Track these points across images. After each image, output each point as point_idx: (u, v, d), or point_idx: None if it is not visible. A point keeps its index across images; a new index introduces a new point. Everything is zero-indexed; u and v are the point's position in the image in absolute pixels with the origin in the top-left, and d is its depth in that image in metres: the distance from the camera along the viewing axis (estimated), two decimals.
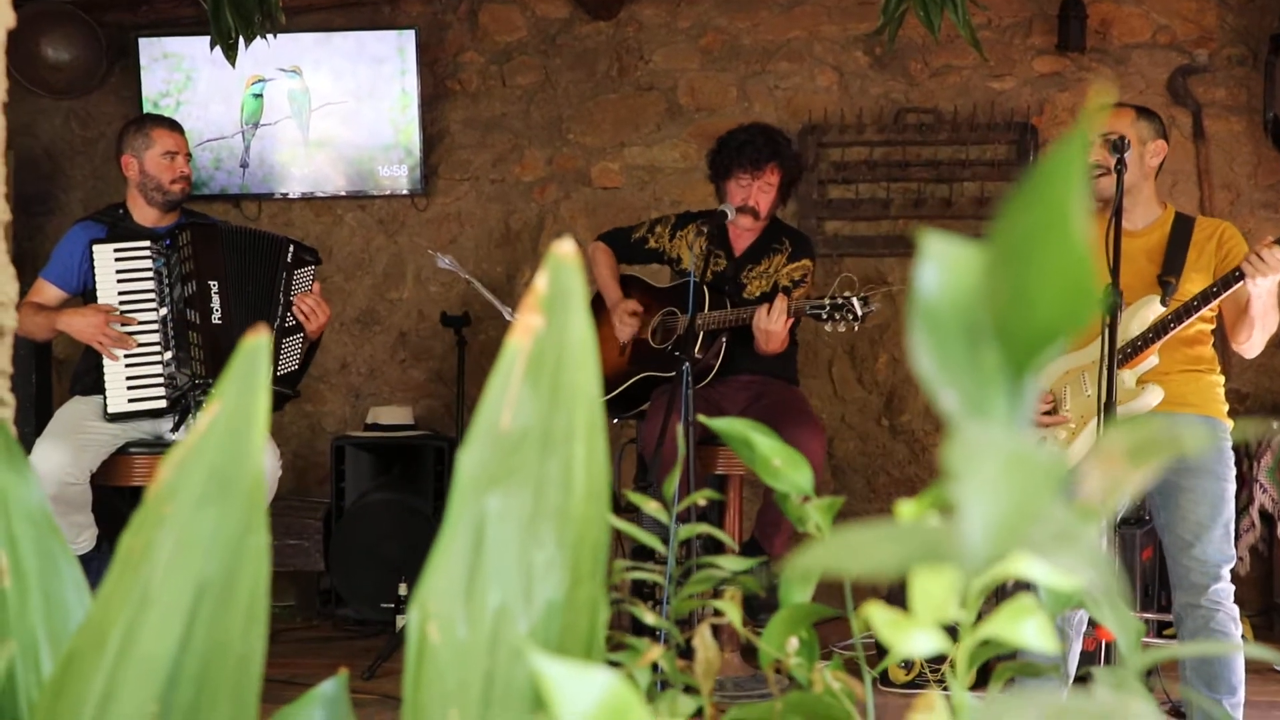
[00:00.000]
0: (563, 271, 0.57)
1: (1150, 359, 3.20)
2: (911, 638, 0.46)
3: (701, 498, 0.97)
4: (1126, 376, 3.20)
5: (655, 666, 0.93)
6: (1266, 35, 5.19)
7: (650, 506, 0.95)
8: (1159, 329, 3.16)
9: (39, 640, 0.79)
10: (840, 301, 3.65)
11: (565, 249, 0.57)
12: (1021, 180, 0.34)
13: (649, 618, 0.96)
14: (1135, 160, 3.26)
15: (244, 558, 0.63)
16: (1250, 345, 3.23)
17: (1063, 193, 0.32)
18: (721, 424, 0.94)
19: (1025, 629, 0.51)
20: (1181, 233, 3.28)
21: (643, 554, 3.45)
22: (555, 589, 0.61)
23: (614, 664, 0.94)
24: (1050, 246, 0.32)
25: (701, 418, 1.00)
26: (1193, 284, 3.23)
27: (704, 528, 0.95)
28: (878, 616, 0.48)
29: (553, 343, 0.58)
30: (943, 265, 0.35)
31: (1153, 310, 3.21)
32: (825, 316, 3.67)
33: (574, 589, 0.61)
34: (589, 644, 0.61)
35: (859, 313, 3.62)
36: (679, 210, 4.71)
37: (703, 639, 0.93)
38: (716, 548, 4.04)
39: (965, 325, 0.33)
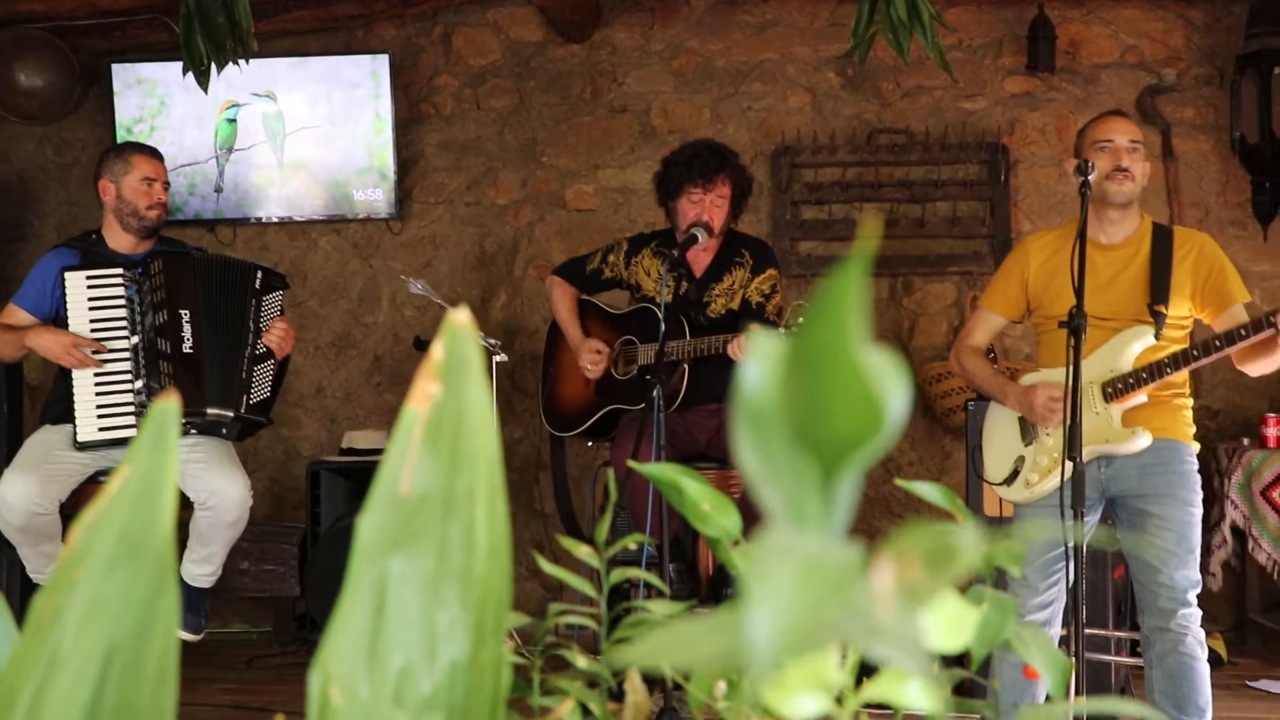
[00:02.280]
0: (459, 340, 0.58)
1: (1140, 397, 3.20)
2: (794, 703, 0.47)
3: (631, 542, 0.98)
4: (1114, 413, 3.20)
5: (586, 710, 0.94)
6: (1232, 55, 5.25)
7: (581, 551, 0.96)
8: (1154, 371, 3.15)
9: None
10: (795, 328, 3.64)
11: (460, 318, 0.58)
12: (810, 301, 0.36)
13: (580, 661, 0.97)
14: (1141, 170, 3.28)
15: (154, 620, 0.64)
16: (1260, 373, 3.25)
17: (844, 315, 0.33)
18: (651, 469, 0.95)
19: (908, 691, 0.52)
20: (1162, 248, 3.28)
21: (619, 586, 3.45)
22: (459, 649, 0.62)
23: (545, 709, 0.95)
24: (837, 368, 0.33)
25: (631, 463, 1.01)
26: (1178, 309, 3.24)
27: (634, 572, 0.96)
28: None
29: (451, 409, 0.59)
30: (764, 362, 0.36)
31: (1143, 343, 3.20)
32: None
33: (478, 649, 0.62)
34: (494, 703, 0.62)
35: None
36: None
37: (632, 683, 0.94)
38: (690, 571, 4.05)
39: (785, 426, 0.34)
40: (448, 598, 0.61)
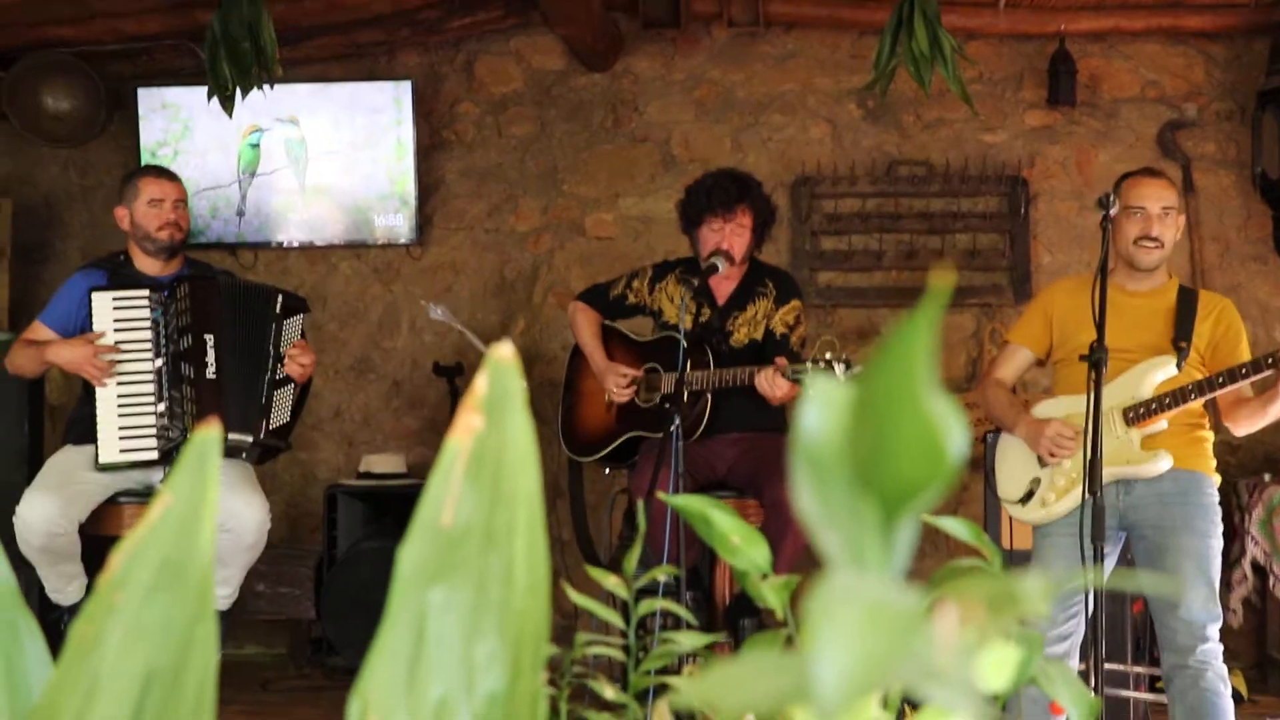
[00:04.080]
0: (502, 374, 0.59)
1: (1161, 423, 3.22)
2: None
3: (661, 574, 0.98)
4: (1134, 437, 3.22)
5: None
6: (1253, 91, 5.25)
7: (610, 582, 0.96)
8: (1178, 397, 3.17)
9: (2, 716, 0.80)
10: (823, 366, 3.61)
11: (504, 352, 0.58)
12: (876, 348, 0.36)
13: (609, 692, 0.97)
14: (1173, 230, 3.33)
15: (192, 646, 0.64)
16: (1245, 431, 3.28)
17: (913, 364, 0.33)
18: (680, 500, 0.95)
19: None
20: (1187, 301, 3.34)
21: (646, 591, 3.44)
22: (497, 681, 0.62)
23: None
24: (904, 414, 0.33)
25: (661, 495, 1.01)
26: (1195, 354, 3.29)
27: (662, 604, 0.96)
28: (798, 716, 0.49)
29: (493, 443, 0.60)
30: (824, 406, 0.36)
31: (1165, 372, 3.23)
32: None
33: (515, 681, 0.63)
34: None
35: (841, 378, 3.59)
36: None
37: (660, 715, 0.94)
38: (707, 600, 4.04)
39: (844, 470, 0.34)
40: (486, 630, 0.62)
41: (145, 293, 3.89)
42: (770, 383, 3.70)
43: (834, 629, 0.30)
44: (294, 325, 4.03)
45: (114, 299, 3.86)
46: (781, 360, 3.72)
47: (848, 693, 0.30)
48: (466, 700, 0.61)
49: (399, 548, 0.61)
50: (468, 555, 0.60)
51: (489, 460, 0.60)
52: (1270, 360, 3.08)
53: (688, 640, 0.95)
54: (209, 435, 0.65)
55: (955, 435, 0.34)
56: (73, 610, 3.81)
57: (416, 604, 0.60)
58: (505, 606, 0.61)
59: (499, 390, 0.59)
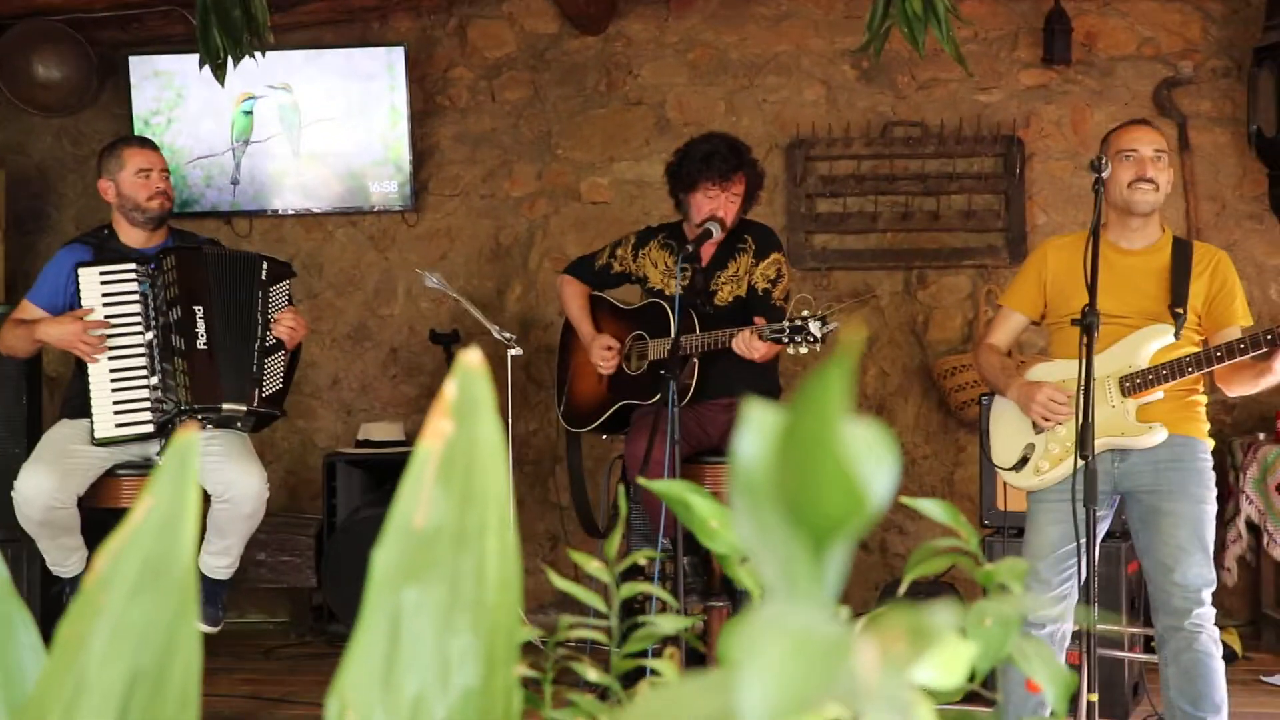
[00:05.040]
0: (471, 380, 0.60)
1: (1157, 393, 3.22)
2: None
3: (642, 557, 0.99)
4: (1130, 407, 3.22)
5: None
6: (1250, 47, 5.23)
7: (591, 566, 0.98)
8: (1176, 369, 3.17)
9: None
10: (798, 324, 3.59)
11: (472, 358, 0.59)
12: (795, 397, 0.37)
13: (591, 674, 0.99)
14: (1165, 178, 3.30)
15: (177, 646, 0.66)
16: (1237, 394, 3.28)
17: (830, 412, 0.34)
18: (660, 485, 0.97)
19: None
20: (1182, 259, 3.31)
21: (632, 573, 3.47)
22: (471, 676, 0.64)
23: None
24: (824, 458, 0.34)
25: (641, 480, 1.02)
26: (1192, 316, 3.27)
27: (644, 587, 0.98)
28: None
29: (463, 446, 0.61)
30: (761, 434, 0.37)
31: (1162, 341, 3.22)
32: (786, 340, 3.61)
33: (489, 675, 0.64)
34: None
35: (817, 335, 3.56)
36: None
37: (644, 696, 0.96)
38: (704, 564, 4.07)
39: (776, 500, 0.35)
40: (460, 627, 0.63)
41: (132, 266, 3.89)
42: (747, 345, 3.70)
43: (758, 657, 0.32)
44: (280, 291, 4.03)
45: (101, 274, 3.86)
46: (759, 321, 3.71)
47: (772, 715, 0.31)
48: (442, 696, 0.62)
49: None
50: (440, 555, 0.62)
51: (459, 463, 0.61)
52: (1269, 336, 3.08)
53: (667, 624, 0.96)
54: (189, 436, 0.66)
55: (876, 476, 0.35)
56: (74, 583, 3.84)
57: (391, 604, 0.62)
58: (478, 603, 0.63)
59: (467, 395, 0.60)
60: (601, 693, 1.02)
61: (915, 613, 0.35)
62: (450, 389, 0.60)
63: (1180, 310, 3.24)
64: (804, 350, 3.58)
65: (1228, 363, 3.14)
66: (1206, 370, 3.18)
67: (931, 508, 0.99)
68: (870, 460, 0.35)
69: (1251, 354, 3.11)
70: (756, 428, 0.38)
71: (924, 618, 0.35)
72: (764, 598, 0.37)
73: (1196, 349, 3.25)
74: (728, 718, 0.33)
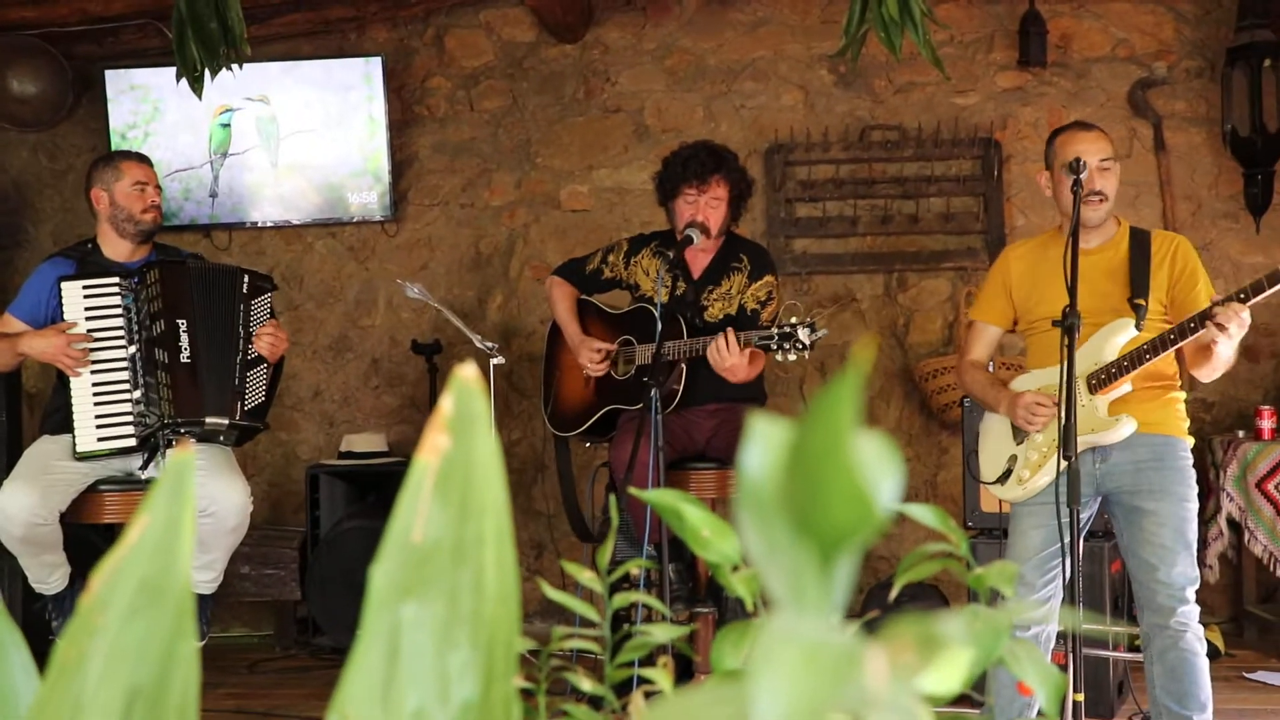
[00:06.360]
0: (466, 394, 0.60)
1: (1124, 386, 3.22)
2: None
3: (635, 566, 1.00)
4: (1100, 404, 3.22)
5: None
6: (1223, 48, 5.27)
7: (584, 577, 0.98)
8: (1135, 358, 3.17)
9: None
10: (787, 331, 3.60)
11: (468, 373, 0.60)
12: (806, 408, 0.38)
13: (585, 684, 0.99)
14: (1113, 179, 3.31)
15: (174, 665, 0.66)
16: (1209, 378, 3.26)
17: (842, 423, 0.35)
18: (651, 495, 0.97)
19: None
20: (1140, 249, 3.31)
21: (626, 581, 3.47)
22: (471, 689, 0.64)
23: None
24: (834, 469, 0.35)
25: (633, 490, 1.02)
26: (1155, 304, 3.27)
27: (636, 597, 0.98)
28: None
29: (460, 460, 0.61)
30: (766, 447, 0.38)
31: (1126, 334, 3.22)
32: (774, 347, 3.61)
33: (488, 688, 0.64)
34: None
35: (806, 342, 3.56)
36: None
37: (637, 706, 0.96)
38: (690, 570, 4.07)
39: (784, 512, 0.36)
40: (459, 640, 0.63)
41: (115, 280, 3.88)
42: (719, 352, 3.69)
43: (772, 669, 0.32)
44: (262, 305, 4.03)
45: (84, 287, 3.85)
46: (730, 331, 3.69)
47: None
48: (442, 710, 0.63)
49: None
50: (439, 569, 0.62)
51: (456, 477, 0.61)
52: (1212, 308, 3.07)
53: (661, 633, 0.97)
54: (185, 456, 0.66)
55: (884, 486, 0.36)
56: (57, 599, 3.81)
57: (390, 619, 0.62)
58: (477, 616, 0.63)
59: (464, 409, 0.60)
60: (592, 702, 1.02)
61: (923, 622, 0.36)
62: (447, 404, 0.60)
63: (1141, 302, 3.24)
64: (792, 358, 3.58)
65: (1188, 342, 3.12)
66: (1165, 353, 3.15)
67: (922, 512, 0.99)
68: (878, 471, 0.36)
69: (1200, 330, 3.07)
70: (763, 440, 0.38)
71: (932, 627, 0.35)
72: (771, 609, 0.37)
73: None
74: None
